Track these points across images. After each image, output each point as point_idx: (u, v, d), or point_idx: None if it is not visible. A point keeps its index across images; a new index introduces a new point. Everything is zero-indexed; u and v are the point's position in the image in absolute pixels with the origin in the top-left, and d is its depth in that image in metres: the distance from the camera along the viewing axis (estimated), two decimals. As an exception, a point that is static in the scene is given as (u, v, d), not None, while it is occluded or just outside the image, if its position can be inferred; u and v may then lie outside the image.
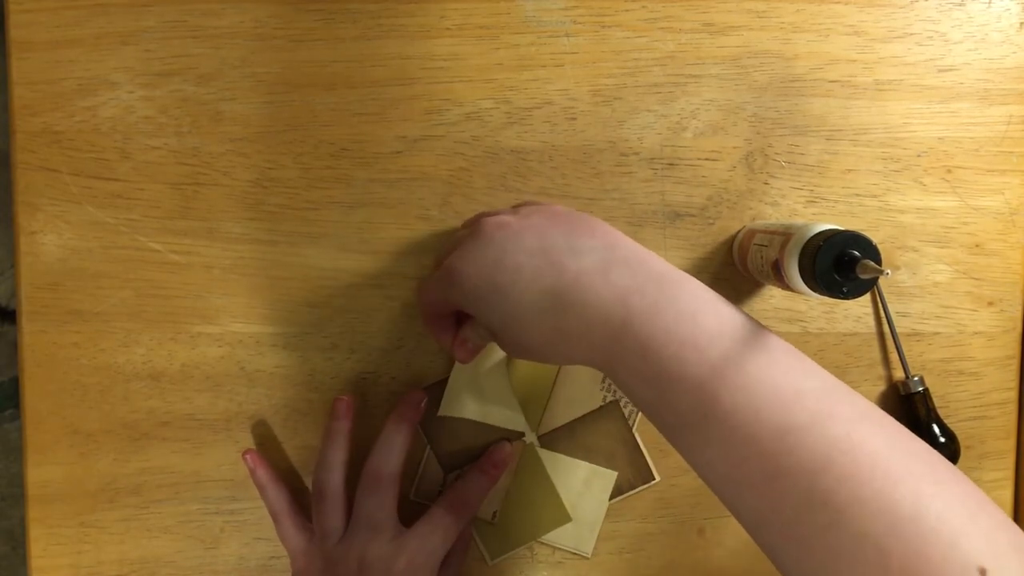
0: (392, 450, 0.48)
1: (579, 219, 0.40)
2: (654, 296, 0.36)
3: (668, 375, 0.35)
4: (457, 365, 0.50)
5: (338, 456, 0.49)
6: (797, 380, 0.35)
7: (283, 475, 0.51)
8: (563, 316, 0.37)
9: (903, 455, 0.33)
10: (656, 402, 0.36)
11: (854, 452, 0.32)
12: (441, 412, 0.50)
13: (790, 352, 0.36)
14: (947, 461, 0.34)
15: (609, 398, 0.52)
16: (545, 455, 0.52)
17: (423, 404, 0.50)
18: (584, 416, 0.52)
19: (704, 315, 0.36)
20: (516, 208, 0.43)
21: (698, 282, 0.37)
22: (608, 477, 0.52)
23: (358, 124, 0.50)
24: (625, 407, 0.52)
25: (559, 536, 0.52)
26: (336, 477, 0.48)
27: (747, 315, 0.37)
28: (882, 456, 0.32)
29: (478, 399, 0.50)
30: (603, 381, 0.52)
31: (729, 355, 0.34)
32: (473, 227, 0.41)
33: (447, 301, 0.42)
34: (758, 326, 0.37)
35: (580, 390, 0.52)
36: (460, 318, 0.46)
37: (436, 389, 0.51)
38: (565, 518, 0.52)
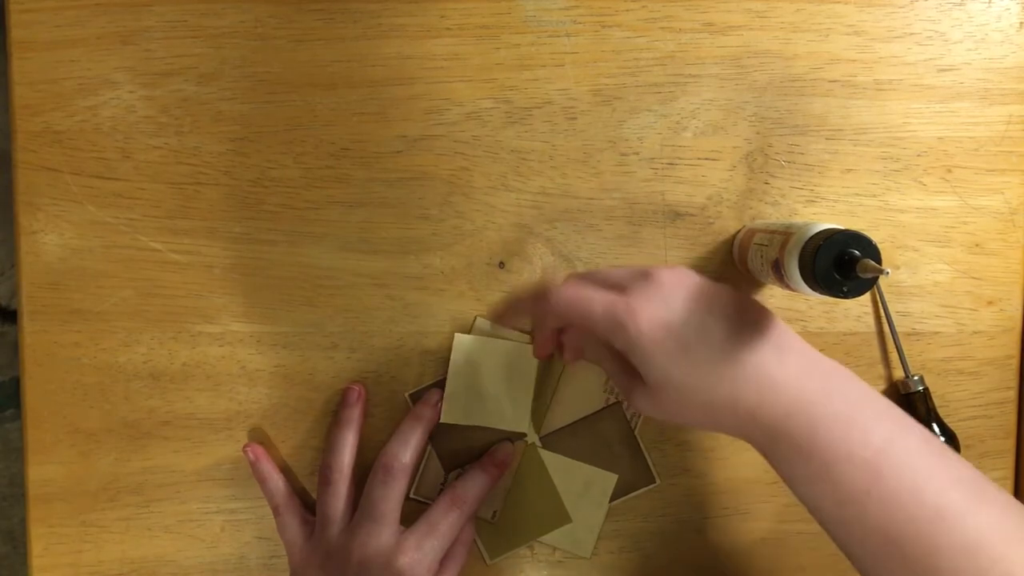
0: (407, 444, 0.49)
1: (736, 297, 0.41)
2: (822, 383, 0.39)
3: (834, 454, 0.37)
4: (452, 371, 0.50)
5: (348, 441, 0.49)
6: (952, 468, 0.38)
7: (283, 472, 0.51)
8: (739, 393, 0.38)
9: None
10: (816, 478, 0.38)
11: (1007, 538, 0.36)
12: (443, 419, 0.50)
13: (937, 440, 0.40)
14: None
15: (612, 400, 0.52)
16: (546, 456, 0.52)
17: (439, 403, 0.50)
18: (586, 417, 0.52)
19: (866, 402, 0.39)
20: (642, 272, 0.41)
21: (848, 371, 0.40)
22: (608, 480, 0.52)
23: (358, 124, 0.50)
24: (627, 408, 0.52)
25: (558, 538, 0.52)
26: (345, 461, 0.49)
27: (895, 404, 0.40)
28: None
29: (478, 403, 0.50)
30: (606, 383, 0.52)
31: (892, 437, 0.38)
32: (645, 274, 0.40)
33: (595, 340, 0.43)
34: (907, 415, 0.39)
35: (583, 391, 0.52)
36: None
37: (440, 388, 0.51)
38: (565, 519, 0.52)
